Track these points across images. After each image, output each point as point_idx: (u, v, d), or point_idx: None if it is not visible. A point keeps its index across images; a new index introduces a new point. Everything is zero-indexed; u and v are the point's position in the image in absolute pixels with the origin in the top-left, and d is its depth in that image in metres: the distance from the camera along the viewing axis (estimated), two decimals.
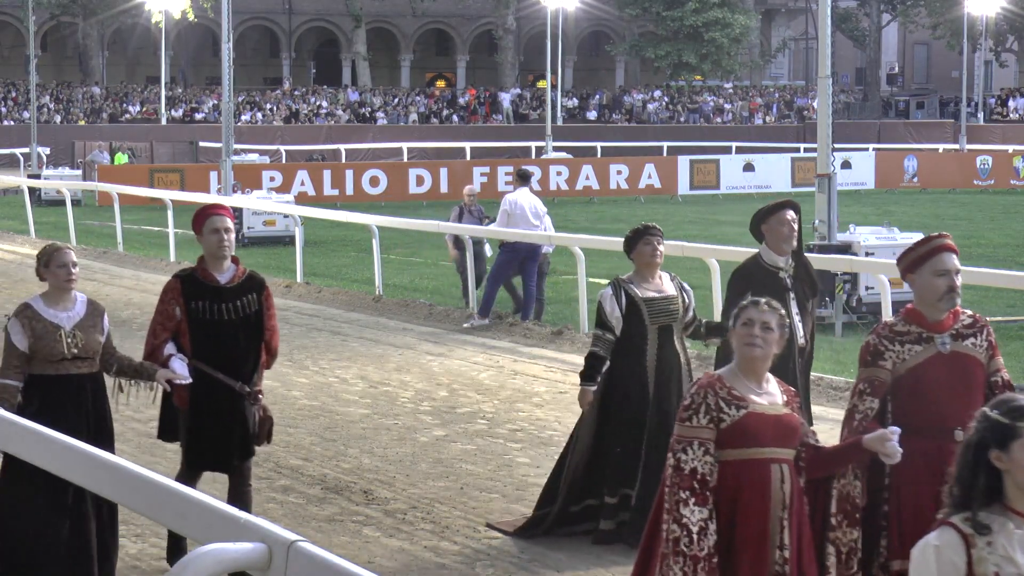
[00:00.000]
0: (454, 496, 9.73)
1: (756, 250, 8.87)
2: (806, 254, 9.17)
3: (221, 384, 7.75)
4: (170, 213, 25.37)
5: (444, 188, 42.75)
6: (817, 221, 17.94)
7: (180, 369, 7.60)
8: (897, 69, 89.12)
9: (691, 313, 8.86)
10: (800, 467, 5.72)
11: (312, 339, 16.71)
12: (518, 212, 18.09)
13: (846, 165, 45.52)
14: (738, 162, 47.80)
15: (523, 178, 18.90)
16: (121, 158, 47.94)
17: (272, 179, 40.15)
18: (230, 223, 7.86)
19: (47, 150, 52.78)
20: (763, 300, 5.74)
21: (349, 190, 41.84)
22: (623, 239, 8.95)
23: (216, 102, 63.92)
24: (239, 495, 7.91)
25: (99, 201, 37.94)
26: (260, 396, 7.92)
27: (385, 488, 9.92)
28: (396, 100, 71.66)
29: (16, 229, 31.49)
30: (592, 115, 72.60)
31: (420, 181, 42.75)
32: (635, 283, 8.68)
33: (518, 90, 75.04)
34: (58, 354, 7.27)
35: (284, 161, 51.39)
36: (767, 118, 73.25)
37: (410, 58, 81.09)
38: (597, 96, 74.53)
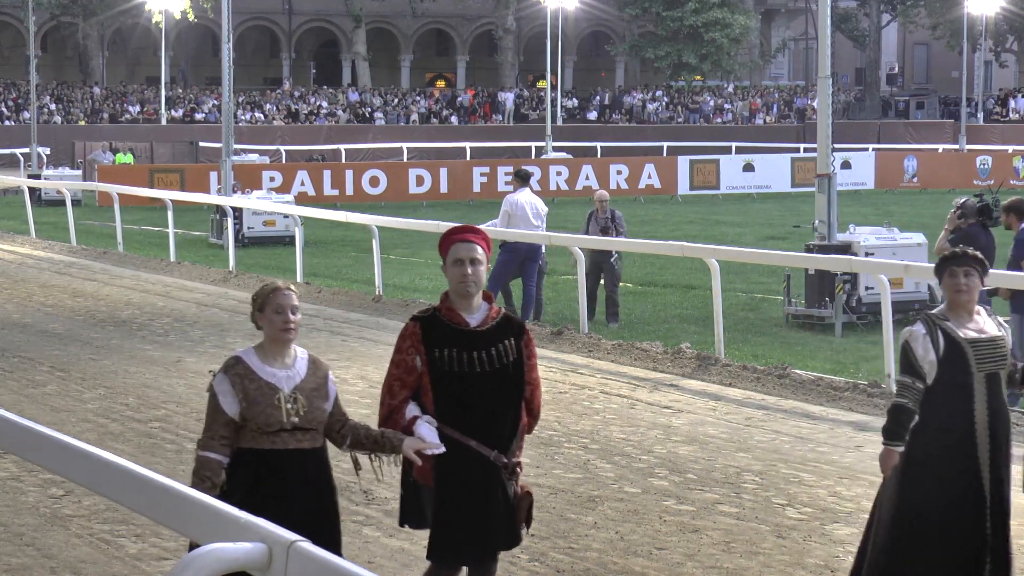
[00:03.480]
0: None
1: (755, 250, 8.77)
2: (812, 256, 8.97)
3: (473, 454, 6.13)
4: (170, 213, 25.38)
5: (444, 188, 42.77)
6: (817, 221, 17.95)
7: (429, 436, 6.03)
8: (897, 69, 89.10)
9: (1014, 356, 7.26)
10: None
11: (312, 339, 16.71)
12: (519, 213, 18.10)
13: (846, 165, 45.52)
14: (738, 162, 47.80)
15: (523, 178, 18.89)
16: (121, 158, 47.93)
17: (272, 179, 40.15)
18: (480, 252, 6.20)
19: (47, 150, 52.78)
20: None
21: (349, 190, 41.84)
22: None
23: (216, 102, 63.92)
24: None
25: (99, 201, 37.96)
26: (520, 469, 6.24)
27: (385, 488, 9.91)
28: (396, 100, 71.65)
29: (16, 229, 31.49)
30: (592, 115, 72.59)
31: (420, 181, 42.75)
32: (951, 320, 6.98)
33: (518, 90, 75.02)
34: (275, 423, 5.83)
35: (284, 161, 51.39)
36: (767, 118, 73.24)
37: (410, 58, 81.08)
38: (597, 96, 74.49)
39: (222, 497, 5.34)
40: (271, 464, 5.84)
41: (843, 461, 10.74)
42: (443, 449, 6.00)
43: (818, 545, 8.59)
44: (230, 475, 5.81)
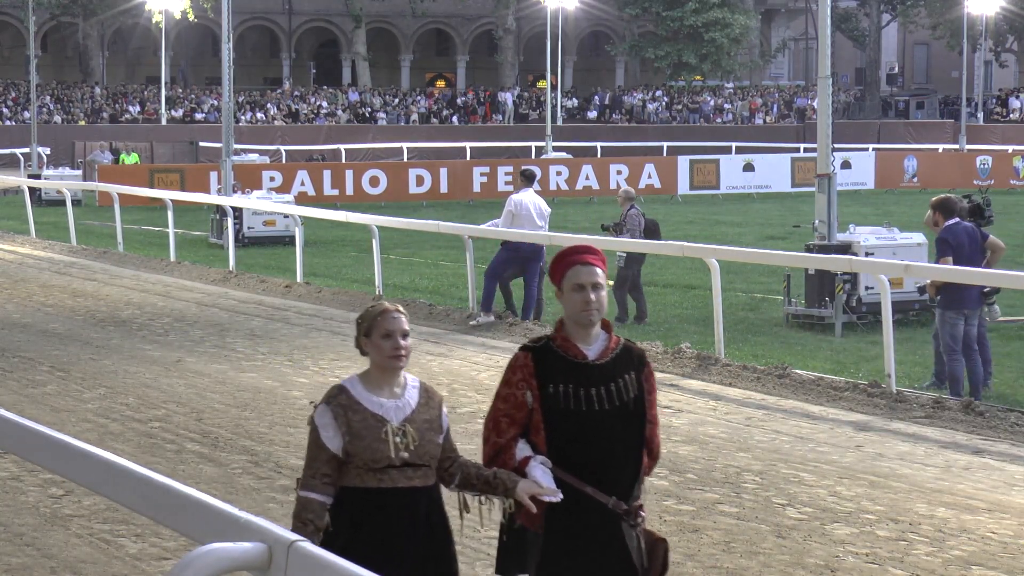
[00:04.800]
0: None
1: (755, 250, 8.78)
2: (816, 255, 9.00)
3: (589, 501, 5.40)
4: (170, 213, 25.38)
5: (444, 188, 42.77)
6: (817, 221, 17.95)
7: (545, 479, 5.36)
8: (897, 69, 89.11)
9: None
10: None
11: (312, 339, 16.71)
12: (523, 213, 18.10)
13: (846, 165, 45.52)
14: (738, 162, 47.81)
15: (528, 178, 18.87)
16: (126, 158, 48.02)
17: (272, 179, 40.15)
18: (602, 275, 5.56)
19: (47, 150, 52.81)
20: None
21: (349, 190, 41.84)
22: None
23: (216, 102, 63.93)
24: None
25: (99, 201, 37.96)
26: (642, 515, 5.52)
27: None
28: (396, 100, 71.66)
29: (16, 229, 31.49)
30: (592, 115, 72.60)
31: (420, 181, 42.75)
32: None
33: (518, 90, 75.03)
34: (383, 459, 5.26)
35: (284, 161, 51.40)
36: (767, 118, 73.24)
37: (410, 58, 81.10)
38: (597, 96, 74.49)
39: (325, 540, 5.11)
40: (378, 504, 5.27)
41: (843, 461, 10.74)
42: (560, 496, 5.32)
43: (818, 545, 8.59)
44: (334, 516, 5.26)
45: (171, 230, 25.40)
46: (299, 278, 21.85)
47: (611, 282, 18.20)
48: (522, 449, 5.44)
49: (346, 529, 5.24)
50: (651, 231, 18.34)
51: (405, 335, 5.39)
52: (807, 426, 12.08)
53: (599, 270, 5.54)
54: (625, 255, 18.15)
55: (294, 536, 3.57)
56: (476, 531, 5.40)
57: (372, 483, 5.26)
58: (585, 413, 5.41)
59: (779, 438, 11.61)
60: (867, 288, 17.28)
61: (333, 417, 5.28)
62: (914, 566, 8.17)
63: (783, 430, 11.92)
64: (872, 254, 17.52)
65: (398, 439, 5.27)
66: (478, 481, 5.42)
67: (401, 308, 5.47)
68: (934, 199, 14.03)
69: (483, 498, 5.47)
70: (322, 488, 5.23)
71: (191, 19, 65.93)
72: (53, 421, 11.69)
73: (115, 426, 11.89)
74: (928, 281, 13.57)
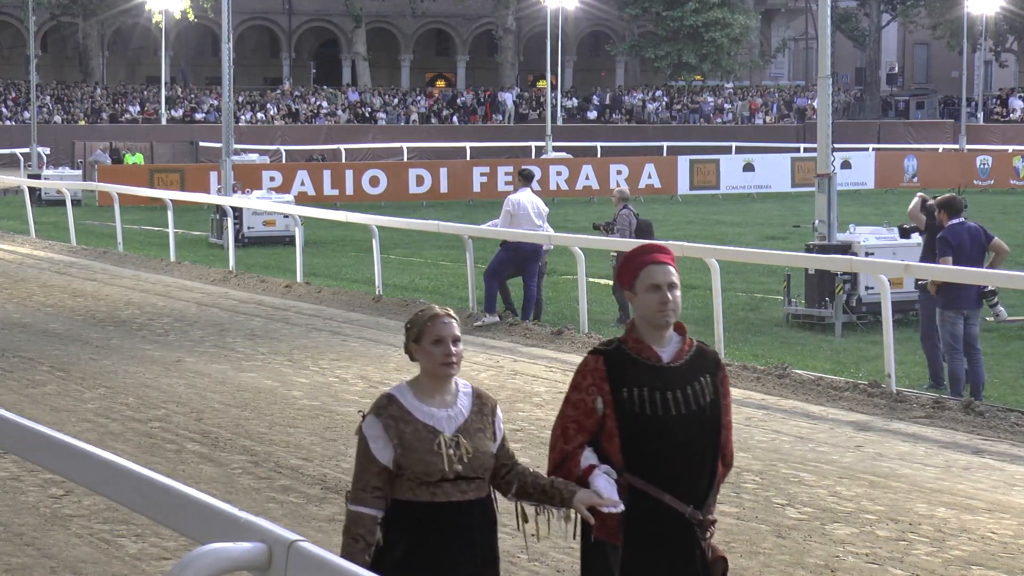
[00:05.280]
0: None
1: (755, 250, 8.78)
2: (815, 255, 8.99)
3: (667, 511, 5.21)
4: (170, 213, 25.38)
5: (444, 188, 42.78)
6: (817, 221, 17.95)
7: (607, 491, 5.12)
8: (897, 69, 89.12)
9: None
10: None
11: (312, 339, 16.72)
12: (521, 212, 18.12)
13: (846, 165, 45.53)
14: (738, 162, 47.81)
15: (526, 178, 18.90)
16: (129, 158, 48.08)
17: (272, 179, 40.16)
18: (676, 274, 5.34)
19: (47, 150, 52.80)
20: None
21: (349, 190, 41.85)
22: None
23: (216, 102, 63.93)
24: None
25: (99, 201, 37.96)
26: (714, 527, 5.35)
27: None
28: (396, 100, 71.66)
29: (16, 229, 31.49)
30: (592, 115, 72.60)
31: (420, 181, 42.77)
32: None
33: (518, 90, 75.04)
34: (435, 472, 5.04)
35: (284, 161, 51.40)
36: (767, 118, 73.25)
37: (410, 58, 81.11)
38: (597, 96, 74.49)
39: (377, 555, 4.96)
40: (432, 519, 5.03)
41: (843, 461, 10.75)
42: (621, 507, 5.08)
43: (818, 545, 8.59)
44: (385, 531, 5.03)
45: (171, 230, 25.40)
46: (299, 278, 21.85)
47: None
48: (587, 457, 5.23)
49: (399, 544, 5.04)
50: (643, 231, 18.30)
51: (456, 341, 5.13)
52: (807, 426, 12.08)
53: (673, 268, 5.33)
54: (617, 255, 18.16)
55: (294, 536, 3.56)
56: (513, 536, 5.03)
57: (425, 497, 5.02)
58: (661, 418, 5.19)
59: (779, 438, 11.61)
60: (867, 288, 17.28)
61: (383, 429, 5.03)
62: (914, 566, 8.17)
63: (783, 430, 11.92)
64: (872, 254, 17.52)
65: (451, 451, 5.03)
66: (534, 490, 5.19)
67: (452, 312, 5.22)
68: (940, 199, 14.05)
69: (540, 508, 5.22)
70: (373, 502, 5.01)
71: (191, 19, 65.94)
72: (53, 421, 11.70)
73: (115, 426, 11.89)
74: (930, 280, 13.60)
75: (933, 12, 74.33)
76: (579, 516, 5.10)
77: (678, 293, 5.28)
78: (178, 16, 64.08)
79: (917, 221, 14.98)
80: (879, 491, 9.82)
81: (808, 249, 17.91)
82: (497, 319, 17.68)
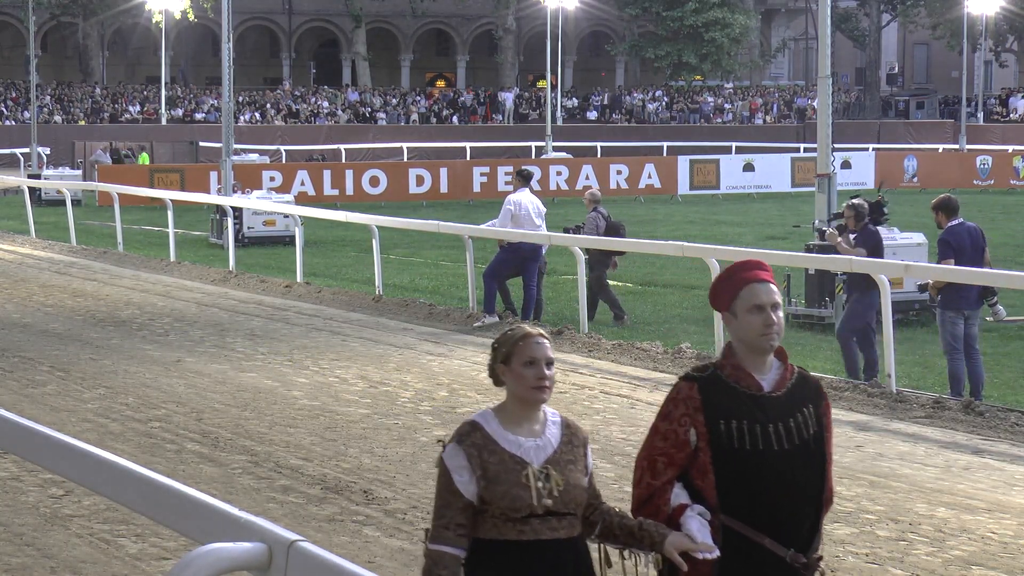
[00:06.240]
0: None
1: (755, 250, 8.78)
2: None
3: (766, 555, 4.72)
4: (170, 213, 25.38)
5: (444, 188, 42.80)
6: (817, 221, 17.94)
7: (701, 534, 4.66)
8: (897, 69, 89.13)
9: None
10: None
11: (312, 339, 16.72)
12: (522, 213, 18.14)
13: (846, 165, 45.53)
14: (738, 162, 47.82)
15: (525, 178, 18.92)
16: (145, 158, 48.24)
17: (272, 179, 40.18)
18: (779, 294, 4.91)
19: (47, 150, 52.81)
20: None
21: (349, 190, 41.86)
22: None
23: (216, 102, 63.93)
24: None
25: (99, 201, 37.98)
26: (821, 567, 4.85)
27: (385, 488, 9.91)
28: (396, 100, 71.67)
29: (16, 229, 31.50)
30: (592, 115, 72.61)
31: (420, 181, 42.78)
32: None
33: (518, 90, 75.04)
34: (523, 507, 4.57)
35: (284, 161, 51.41)
36: (767, 118, 73.26)
37: (410, 58, 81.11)
38: (597, 96, 74.49)
39: None
40: (520, 559, 4.59)
41: (843, 461, 10.74)
42: (716, 553, 4.63)
43: None
44: (468, 572, 4.60)
45: (171, 230, 25.40)
46: (299, 278, 21.85)
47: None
48: (678, 495, 4.76)
49: None
50: (612, 233, 18.33)
51: (550, 363, 4.70)
52: None
53: (775, 287, 4.86)
54: (587, 258, 18.24)
55: (294, 536, 3.57)
56: None
57: (511, 535, 4.57)
58: (762, 453, 4.71)
59: None
60: None
61: (467, 459, 4.58)
62: (914, 566, 8.16)
63: None
64: None
65: (540, 484, 4.58)
66: (621, 532, 4.75)
67: (545, 332, 4.79)
68: (935, 200, 14.08)
69: (627, 552, 4.78)
70: (456, 540, 4.55)
71: (191, 19, 65.95)
72: (53, 421, 11.69)
73: (115, 426, 11.89)
74: (931, 281, 13.63)
75: (933, 12, 74.34)
76: (669, 562, 4.67)
77: (781, 314, 4.85)
78: (178, 16, 64.08)
79: (851, 225, 15.12)
80: (879, 491, 9.82)
81: (808, 249, 17.91)
82: (497, 319, 17.68)
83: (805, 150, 51.28)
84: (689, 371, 4.88)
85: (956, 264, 13.33)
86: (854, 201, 14.84)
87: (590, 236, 18.07)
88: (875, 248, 14.42)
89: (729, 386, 4.76)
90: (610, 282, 18.77)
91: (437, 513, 4.60)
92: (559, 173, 44.73)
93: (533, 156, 53.13)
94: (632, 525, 4.73)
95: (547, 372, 4.66)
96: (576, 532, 4.68)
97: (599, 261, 18.33)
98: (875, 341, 14.10)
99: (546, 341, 4.73)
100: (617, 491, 9.83)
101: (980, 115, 68.76)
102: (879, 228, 15.18)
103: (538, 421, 4.69)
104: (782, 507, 4.71)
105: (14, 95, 66.15)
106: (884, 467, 10.56)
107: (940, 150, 56.81)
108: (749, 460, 4.69)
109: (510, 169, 41.49)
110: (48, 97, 65.84)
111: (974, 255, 13.59)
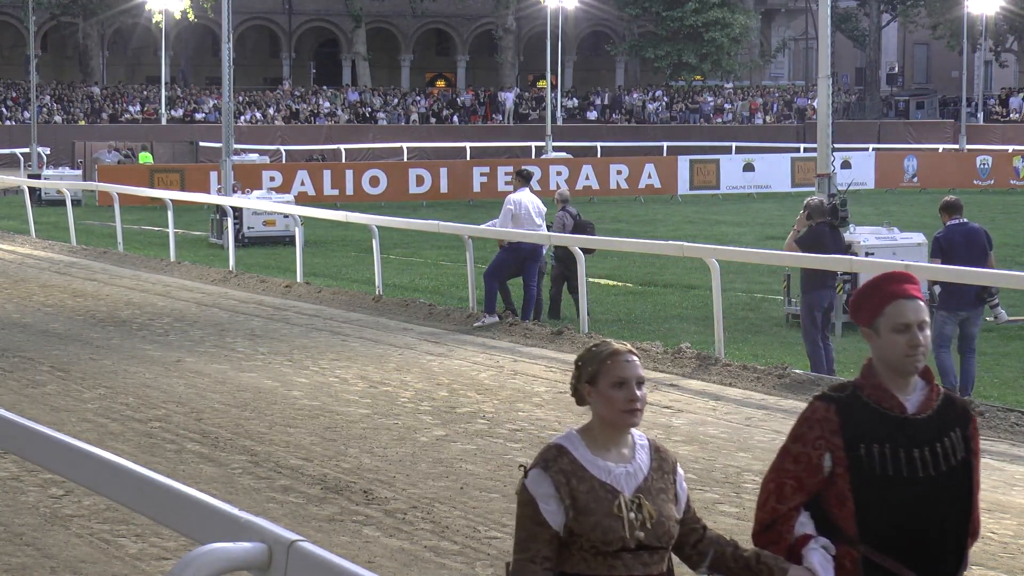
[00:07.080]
0: (454, 496, 9.73)
1: (755, 250, 8.81)
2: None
3: None
4: (170, 213, 25.38)
5: (444, 188, 42.79)
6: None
7: (823, 569, 4.36)
8: (897, 69, 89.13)
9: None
10: None
11: (312, 339, 16.72)
12: (523, 212, 18.16)
13: (846, 165, 45.53)
14: (738, 162, 47.82)
15: (524, 178, 18.94)
16: (145, 157, 48.26)
17: (272, 179, 40.17)
18: (925, 310, 4.50)
19: (47, 150, 52.84)
20: None
21: (349, 190, 41.86)
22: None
23: (216, 102, 63.94)
24: None
25: (99, 201, 37.98)
26: None
27: (385, 488, 9.92)
28: (396, 100, 71.67)
29: (16, 229, 31.49)
30: (592, 115, 72.61)
31: (420, 181, 42.78)
32: None
33: (518, 90, 75.04)
34: (615, 540, 4.19)
35: (284, 161, 51.41)
36: (767, 118, 73.26)
37: (410, 58, 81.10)
38: (597, 96, 74.48)
39: None
40: None
41: None
42: None
43: None
44: None
45: (171, 230, 25.40)
46: (299, 278, 21.86)
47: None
48: (803, 524, 4.46)
49: None
50: (580, 232, 18.47)
51: (641, 383, 4.33)
52: None
53: (924, 304, 4.51)
54: (553, 254, 18.48)
55: (294, 536, 3.57)
56: None
57: (601, 570, 4.19)
58: (906, 480, 4.37)
59: (779, 438, 11.56)
60: None
61: (554, 486, 4.19)
62: None
63: (783, 430, 11.91)
64: (872, 254, 17.52)
65: (633, 515, 4.20)
66: (735, 564, 4.40)
67: (634, 350, 4.43)
68: (942, 201, 14.15)
69: None
70: (543, 574, 4.19)
71: (191, 19, 65.93)
72: (53, 421, 11.70)
73: (115, 426, 11.89)
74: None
75: (933, 12, 74.34)
76: None
77: (929, 333, 4.47)
78: (178, 16, 64.07)
79: (800, 225, 15.36)
80: None
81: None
82: (497, 319, 17.69)
83: (805, 150, 51.28)
84: (825, 390, 4.55)
85: (944, 264, 13.37)
86: (810, 200, 15.10)
87: (585, 236, 18.20)
88: (811, 248, 14.57)
89: (870, 407, 4.42)
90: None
91: (520, 546, 4.24)
92: (559, 173, 44.71)
93: (533, 156, 53.13)
94: (749, 557, 4.42)
95: (638, 393, 4.30)
96: (666, 569, 4.31)
97: (569, 259, 18.40)
98: (817, 338, 14.30)
99: (636, 359, 4.38)
100: None
101: (980, 115, 68.76)
102: (837, 228, 15.44)
103: (627, 445, 4.33)
104: (928, 538, 4.40)
105: (14, 95, 66.14)
106: None
107: (940, 150, 56.80)
108: (891, 488, 4.37)
109: (510, 169, 41.47)
110: (48, 97, 65.83)
111: (971, 256, 13.58)
